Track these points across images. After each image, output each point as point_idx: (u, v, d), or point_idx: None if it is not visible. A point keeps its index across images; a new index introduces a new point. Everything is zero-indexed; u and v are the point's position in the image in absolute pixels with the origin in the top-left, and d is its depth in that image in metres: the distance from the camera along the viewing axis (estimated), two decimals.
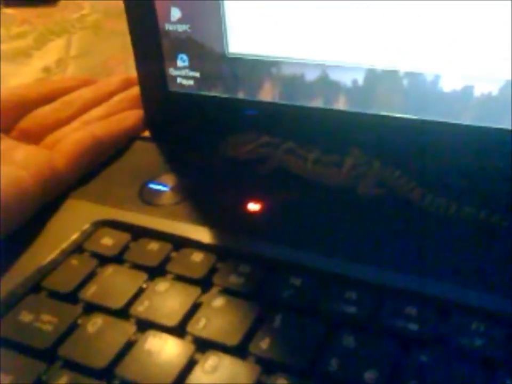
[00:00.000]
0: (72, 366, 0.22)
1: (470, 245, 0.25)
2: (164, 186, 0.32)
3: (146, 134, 0.37)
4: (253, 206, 0.29)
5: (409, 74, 0.28)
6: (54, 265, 0.27)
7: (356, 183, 0.29)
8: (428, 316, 0.22)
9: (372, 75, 0.29)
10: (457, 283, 0.23)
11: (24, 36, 0.60)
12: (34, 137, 0.34)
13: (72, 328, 0.24)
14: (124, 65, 0.51)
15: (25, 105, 0.35)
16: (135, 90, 0.38)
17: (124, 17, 0.34)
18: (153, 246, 0.28)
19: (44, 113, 0.36)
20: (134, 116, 0.37)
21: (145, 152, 0.36)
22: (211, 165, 0.33)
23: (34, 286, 0.26)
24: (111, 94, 0.38)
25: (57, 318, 0.24)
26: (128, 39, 0.35)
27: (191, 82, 0.34)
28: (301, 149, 0.31)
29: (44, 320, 0.24)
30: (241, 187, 0.31)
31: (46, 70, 0.53)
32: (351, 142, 0.30)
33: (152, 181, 0.32)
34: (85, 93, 0.37)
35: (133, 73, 0.37)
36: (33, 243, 0.29)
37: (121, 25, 0.35)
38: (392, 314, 0.22)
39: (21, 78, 0.52)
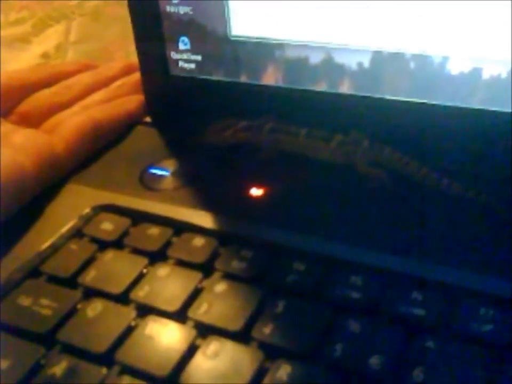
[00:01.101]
0: (72, 350, 0.22)
1: (479, 230, 0.25)
2: (164, 171, 0.31)
3: (148, 120, 0.37)
4: (255, 191, 0.29)
5: (416, 57, 0.27)
6: (53, 249, 0.27)
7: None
8: (435, 302, 0.22)
9: (378, 58, 0.28)
10: (465, 268, 0.23)
11: (23, 22, 0.60)
12: (33, 121, 0.34)
13: (72, 312, 0.24)
14: (124, 51, 0.50)
15: (25, 89, 0.35)
16: (136, 76, 0.37)
17: (123, 3, 0.34)
18: (154, 230, 0.27)
19: (43, 97, 0.35)
20: (135, 100, 0.36)
21: (146, 137, 0.35)
22: (213, 150, 0.33)
23: (33, 270, 0.26)
24: (111, 79, 0.37)
25: (56, 302, 0.24)
26: (128, 25, 0.34)
27: (192, 66, 0.33)
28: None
29: (43, 305, 0.24)
30: (243, 172, 0.31)
31: (45, 55, 0.52)
32: (356, 126, 0.29)
33: (153, 166, 0.32)
34: (85, 78, 0.37)
35: (133, 59, 0.36)
36: (32, 227, 0.29)
37: (121, 11, 0.35)
38: (398, 299, 0.22)
39: (19, 64, 0.51)
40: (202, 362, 0.21)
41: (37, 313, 0.24)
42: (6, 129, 0.32)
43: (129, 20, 0.34)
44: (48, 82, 0.36)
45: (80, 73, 0.37)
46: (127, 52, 0.49)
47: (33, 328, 0.23)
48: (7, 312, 0.24)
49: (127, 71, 0.38)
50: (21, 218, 0.29)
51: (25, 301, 0.24)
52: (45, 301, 0.24)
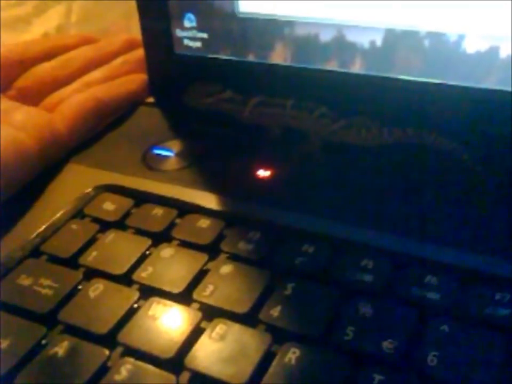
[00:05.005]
0: (73, 331, 0.21)
1: (496, 213, 0.24)
2: (168, 152, 0.31)
3: (151, 100, 0.36)
4: (262, 172, 0.28)
5: (430, 35, 0.27)
6: (54, 229, 0.26)
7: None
8: (450, 285, 0.21)
9: (391, 36, 0.27)
10: (481, 251, 0.22)
11: (24, 3, 0.59)
12: (33, 96, 0.33)
13: (73, 293, 0.23)
14: (126, 32, 0.49)
15: (24, 63, 0.34)
16: (139, 52, 0.36)
17: None
18: (158, 211, 0.27)
19: (43, 71, 0.34)
20: (138, 79, 0.35)
21: (150, 118, 0.35)
22: (217, 130, 0.32)
23: (34, 250, 0.25)
24: (113, 54, 0.36)
25: (57, 282, 0.23)
26: (131, 5, 0.33)
27: (198, 44, 0.32)
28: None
29: (44, 285, 0.23)
30: (249, 153, 0.30)
31: (46, 36, 0.51)
32: (367, 107, 0.28)
33: (156, 146, 0.31)
34: (86, 52, 0.36)
35: None
36: (34, 207, 0.28)
37: None
38: (412, 283, 0.21)
39: None
40: (208, 345, 0.20)
41: (37, 293, 0.23)
42: (6, 106, 0.31)
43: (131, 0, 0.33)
44: (47, 56, 0.35)
45: (80, 46, 0.36)
46: (129, 33, 0.48)
47: (34, 308, 0.22)
48: (7, 292, 0.23)
49: (128, 46, 0.37)
50: (22, 197, 0.28)
51: (25, 281, 0.24)
52: (45, 281, 0.23)
